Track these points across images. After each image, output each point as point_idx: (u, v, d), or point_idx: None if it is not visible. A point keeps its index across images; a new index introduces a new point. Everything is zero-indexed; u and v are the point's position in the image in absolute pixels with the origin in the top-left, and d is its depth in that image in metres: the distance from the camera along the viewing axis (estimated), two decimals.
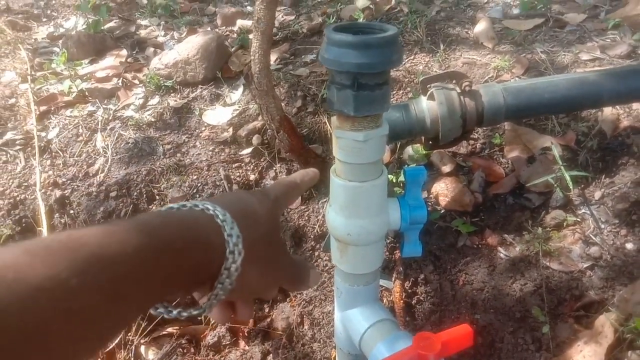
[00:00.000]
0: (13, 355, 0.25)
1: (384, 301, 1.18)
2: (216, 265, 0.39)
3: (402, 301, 1.15)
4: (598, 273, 0.97)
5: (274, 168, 1.37)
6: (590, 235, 1.02)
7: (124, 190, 1.42)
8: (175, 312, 0.42)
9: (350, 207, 0.88)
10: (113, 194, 1.42)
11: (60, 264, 0.28)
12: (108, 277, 0.31)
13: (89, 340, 0.30)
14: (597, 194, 1.07)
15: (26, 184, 1.50)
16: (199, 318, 1.30)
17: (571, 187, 1.02)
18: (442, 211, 1.19)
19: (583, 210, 1.06)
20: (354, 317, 1.00)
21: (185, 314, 0.42)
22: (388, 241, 1.22)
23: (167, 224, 0.38)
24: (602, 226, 1.03)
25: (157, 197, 1.40)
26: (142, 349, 1.26)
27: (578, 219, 1.05)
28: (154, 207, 1.38)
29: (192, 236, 0.38)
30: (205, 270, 0.39)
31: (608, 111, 1.18)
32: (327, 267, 1.28)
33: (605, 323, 0.86)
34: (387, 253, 1.22)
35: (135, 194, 1.41)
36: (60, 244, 0.30)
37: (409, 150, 1.26)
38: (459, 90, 1.02)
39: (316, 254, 1.29)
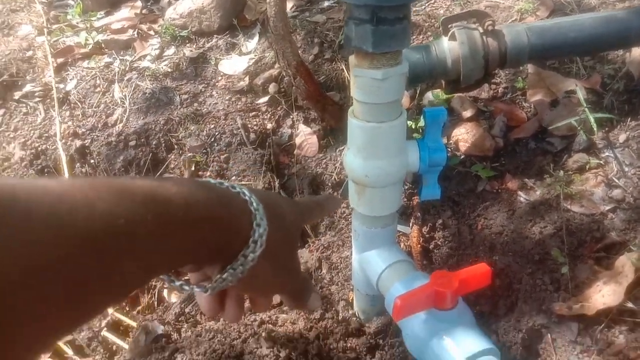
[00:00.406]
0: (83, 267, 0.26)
1: (402, 246, 1.18)
2: (235, 249, 0.40)
3: (419, 245, 1.16)
4: (620, 215, 0.96)
5: (291, 116, 1.37)
6: (613, 178, 1.00)
7: (142, 140, 1.43)
8: (178, 283, 0.42)
9: (369, 148, 0.87)
10: (132, 143, 1.43)
11: (122, 202, 0.30)
12: (159, 220, 0.32)
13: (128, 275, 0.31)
14: (622, 137, 1.05)
15: (47, 134, 1.51)
16: None
17: (595, 130, 0.99)
18: (462, 156, 1.18)
19: (607, 154, 1.04)
20: (371, 258, 1.01)
21: (187, 287, 0.42)
22: (406, 187, 1.22)
23: (209, 192, 0.38)
24: (626, 169, 1.01)
25: (176, 145, 1.40)
26: (165, 292, 1.29)
27: (601, 162, 1.03)
28: (172, 156, 1.39)
29: (227, 213, 0.39)
30: (224, 250, 0.39)
31: (636, 52, 1.14)
32: (345, 214, 1.28)
33: (626, 263, 0.86)
34: (405, 199, 1.22)
35: (154, 143, 1.42)
36: (120, 185, 0.32)
37: (429, 95, 1.24)
38: (481, 30, 0.99)
39: None
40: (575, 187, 1.02)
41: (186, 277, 0.46)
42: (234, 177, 1.33)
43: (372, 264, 1.01)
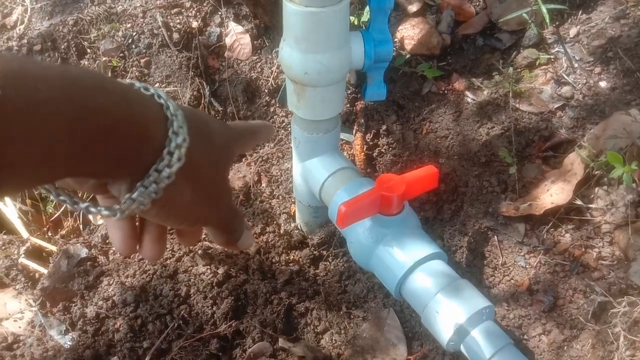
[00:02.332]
0: None
1: (345, 154, 1.12)
2: (145, 161, 0.32)
3: (363, 154, 1.09)
4: (569, 113, 0.93)
5: (219, 13, 1.22)
6: (563, 75, 0.96)
7: (49, 44, 1.25)
8: (83, 205, 0.34)
9: (308, 39, 0.77)
10: (37, 47, 1.24)
11: None
12: (27, 102, 0.25)
13: None
14: (573, 31, 0.99)
15: None
16: None
17: (548, 22, 0.93)
18: (408, 56, 1.09)
19: (557, 49, 0.99)
20: (313, 167, 0.94)
21: (93, 209, 0.34)
22: (349, 92, 1.13)
23: (103, 86, 0.30)
24: (576, 65, 0.96)
25: (89, 50, 1.23)
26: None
27: (551, 58, 0.98)
28: (85, 62, 1.22)
29: (129, 112, 0.30)
30: (129, 161, 0.31)
31: None
32: (284, 124, 1.19)
33: (575, 160, 0.83)
34: (348, 105, 1.13)
35: (62, 47, 1.24)
36: None
37: None
38: None
39: (271, 109, 1.20)
40: (524, 85, 0.97)
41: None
42: (157, 84, 1.19)
43: (314, 173, 0.94)
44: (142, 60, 1.21)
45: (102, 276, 0.89)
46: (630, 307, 0.73)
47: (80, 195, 0.86)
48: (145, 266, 0.88)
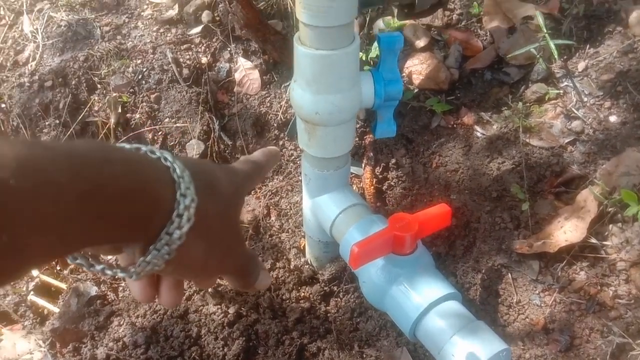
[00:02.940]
0: None
1: (354, 188, 1.12)
2: (156, 225, 0.32)
3: (372, 187, 1.09)
4: (580, 148, 0.92)
5: (229, 49, 1.23)
6: (573, 109, 0.96)
7: (60, 79, 1.26)
8: (98, 267, 0.34)
9: (319, 81, 0.77)
10: (48, 83, 1.26)
11: None
12: (37, 190, 0.25)
13: None
14: (581, 65, 1.00)
15: None
16: None
17: (556, 56, 0.93)
18: (416, 90, 1.10)
19: (565, 83, 0.99)
20: (324, 203, 0.93)
21: (109, 272, 0.35)
22: (358, 125, 1.13)
23: (109, 158, 0.30)
24: (585, 99, 0.96)
25: (99, 85, 1.24)
26: None
27: (560, 92, 0.98)
28: (95, 97, 1.24)
29: (137, 181, 0.31)
30: (141, 226, 0.32)
31: None
32: (293, 157, 1.19)
33: (588, 197, 0.83)
34: (357, 139, 1.14)
35: (73, 82, 1.25)
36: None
37: (380, 23, 1.13)
38: None
39: (280, 143, 1.20)
40: (534, 119, 0.97)
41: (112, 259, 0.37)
42: (167, 119, 1.20)
43: (324, 210, 0.94)
44: (152, 96, 1.22)
45: (112, 316, 0.88)
46: None
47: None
48: (156, 306, 0.87)
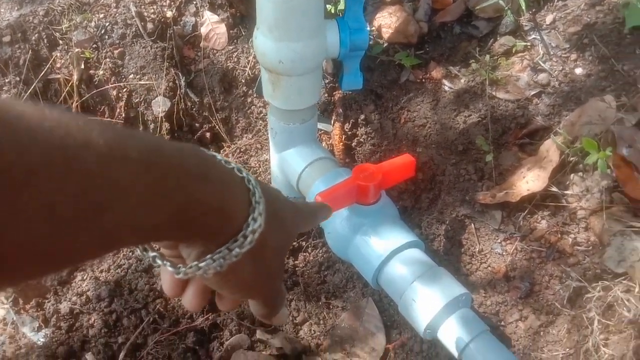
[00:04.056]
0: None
1: (323, 145, 1.11)
2: (221, 239, 0.33)
3: (341, 144, 1.09)
4: (545, 100, 0.93)
5: (194, 2, 1.19)
6: (539, 62, 0.96)
7: (19, 35, 1.21)
8: (151, 254, 0.35)
9: (281, 27, 0.75)
10: (6, 39, 1.21)
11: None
12: (154, 183, 0.27)
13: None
14: (549, 18, 0.99)
15: None
16: None
17: (524, 9, 0.93)
18: (385, 44, 1.08)
19: (533, 36, 0.99)
20: (290, 157, 0.93)
21: (159, 262, 0.35)
22: (327, 81, 1.12)
23: (208, 176, 0.32)
24: (552, 52, 0.96)
25: (61, 41, 1.20)
26: None
27: (528, 45, 0.98)
28: (57, 54, 1.19)
29: (224, 201, 0.33)
30: (209, 237, 0.33)
31: None
32: (262, 114, 1.18)
33: (551, 147, 0.83)
34: (326, 95, 1.13)
35: (33, 38, 1.20)
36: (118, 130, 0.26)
37: None
38: None
39: (249, 100, 1.18)
40: (501, 72, 0.97)
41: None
42: (131, 76, 1.17)
43: (291, 164, 0.93)
44: (116, 51, 1.18)
45: (75, 271, 0.87)
46: (604, 292, 0.74)
47: None
48: (120, 260, 0.86)
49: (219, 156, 0.36)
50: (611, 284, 0.74)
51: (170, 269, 0.35)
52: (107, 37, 1.18)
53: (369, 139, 1.09)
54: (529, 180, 0.83)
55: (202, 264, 0.33)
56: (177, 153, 0.29)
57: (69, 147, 0.23)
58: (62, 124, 0.23)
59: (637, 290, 0.72)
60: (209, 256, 0.33)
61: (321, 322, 0.89)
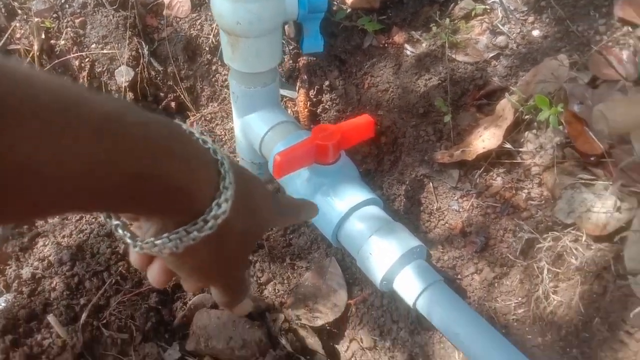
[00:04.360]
0: None
1: (289, 112, 1.11)
2: (181, 219, 0.32)
3: (306, 110, 1.09)
4: (503, 62, 0.94)
5: None
6: (498, 25, 0.97)
7: None
8: (114, 222, 0.34)
9: None
10: None
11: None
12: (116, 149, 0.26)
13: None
14: None
15: None
16: None
17: None
18: (348, 10, 1.09)
19: (492, 0, 1.00)
20: (252, 121, 0.93)
21: (120, 231, 0.34)
22: (291, 47, 1.12)
23: (172, 151, 0.30)
24: (510, 15, 0.98)
25: (19, 10, 1.18)
26: None
27: (487, 8, 0.99)
28: (17, 24, 1.17)
29: (186, 181, 0.31)
30: (169, 215, 0.32)
31: None
32: (227, 82, 1.17)
33: (506, 106, 0.85)
34: (290, 61, 1.13)
35: None
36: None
37: None
38: None
39: (213, 68, 1.18)
40: (461, 35, 0.98)
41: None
42: (93, 45, 1.16)
43: (253, 128, 0.93)
44: (77, 21, 1.16)
45: (37, 237, 0.87)
46: (554, 242, 0.76)
47: None
48: (82, 226, 0.86)
49: (196, 134, 0.35)
50: (561, 234, 0.76)
51: (128, 240, 0.34)
52: (67, 6, 1.16)
53: (333, 105, 1.10)
54: (485, 139, 0.85)
55: (158, 242, 0.32)
56: (142, 125, 0.28)
57: (25, 100, 0.22)
58: (34, 77, 0.23)
59: (584, 239, 0.75)
60: (165, 235, 0.32)
61: (285, 281, 0.91)
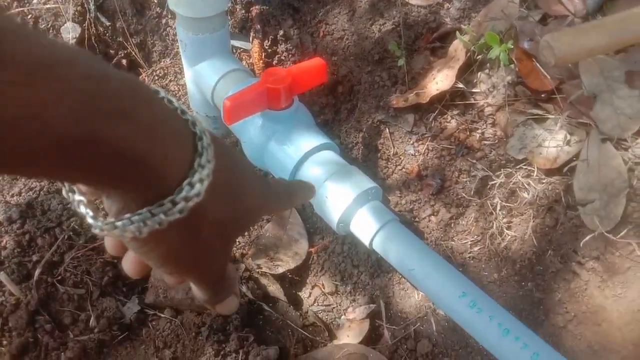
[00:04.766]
0: None
1: (244, 64, 1.09)
2: (146, 196, 0.27)
3: (262, 61, 1.07)
4: (456, 4, 0.94)
5: None
6: None
7: None
8: (77, 197, 0.30)
9: None
10: None
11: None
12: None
13: None
14: None
15: None
16: None
17: None
18: None
19: None
20: (203, 70, 0.91)
21: (82, 209, 0.30)
22: None
23: (135, 114, 0.25)
24: None
25: None
26: None
27: None
28: None
29: (147, 152, 0.26)
30: (130, 190, 0.27)
31: None
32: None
33: (458, 47, 0.85)
34: (243, 11, 1.10)
35: None
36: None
37: None
38: None
39: (163, 21, 1.14)
40: None
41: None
42: (35, 1, 1.10)
43: (204, 77, 0.91)
44: None
45: None
46: (506, 179, 0.78)
47: None
48: (31, 183, 0.84)
49: (175, 103, 0.30)
50: (513, 170, 0.78)
51: (90, 220, 0.29)
52: None
53: (289, 55, 1.08)
54: (438, 81, 0.85)
55: (118, 223, 0.28)
56: (95, 79, 0.23)
57: None
58: None
59: (535, 173, 0.76)
60: (127, 215, 0.27)
61: (246, 233, 0.90)
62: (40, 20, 1.12)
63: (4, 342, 0.70)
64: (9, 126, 0.20)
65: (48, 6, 1.10)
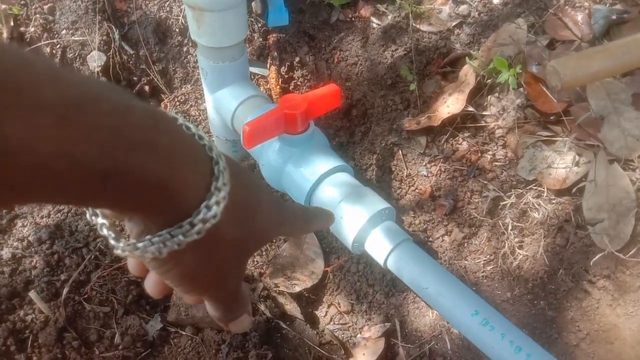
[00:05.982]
0: None
1: (261, 89, 1.13)
2: (164, 220, 0.29)
3: (278, 87, 1.11)
4: (466, 30, 0.97)
5: None
6: None
7: None
8: (100, 220, 0.31)
9: None
10: None
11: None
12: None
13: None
14: None
15: None
16: None
17: None
18: None
19: None
20: (223, 97, 0.95)
21: (105, 232, 0.31)
22: (259, 25, 1.13)
23: (156, 142, 0.26)
24: None
25: None
26: None
27: None
28: None
29: (168, 177, 0.27)
30: (151, 215, 0.29)
31: None
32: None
33: (468, 71, 0.88)
34: (260, 39, 1.14)
35: None
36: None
37: None
38: None
39: (184, 49, 1.19)
40: (424, 6, 1.00)
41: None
42: (64, 31, 1.16)
43: (224, 104, 0.95)
44: (46, 7, 1.16)
45: (16, 219, 0.88)
46: (517, 199, 0.79)
47: None
48: (60, 206, 0.88)
49: (193, 129, 0.31)
50: (524, 191, 0.80)
51: (112, 242, 0.31)
52: None
53: (305, 81, 1.11)
54: (450, 104, 0.87)
55: (139, 244, 0.29)
56: (119, 114, 0.24)
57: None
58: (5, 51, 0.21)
59: (545, 194, 0.78)
60: (147, 237, 0.29)
61: (264, 253, 0.93)
62: (68, 50, 1.17)
63: (34, 358, 0.73)
64: (40, 164, 0.21)
65: (76, 37, 1.16)
